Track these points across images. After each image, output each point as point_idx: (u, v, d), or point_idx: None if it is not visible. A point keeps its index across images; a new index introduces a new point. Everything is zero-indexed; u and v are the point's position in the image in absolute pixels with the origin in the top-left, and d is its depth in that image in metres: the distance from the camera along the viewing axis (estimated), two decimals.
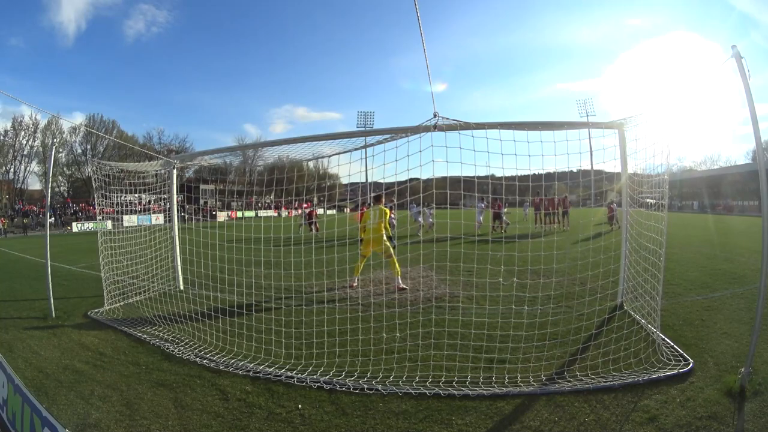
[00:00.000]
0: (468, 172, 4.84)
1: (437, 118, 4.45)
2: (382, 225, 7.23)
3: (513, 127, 4.76)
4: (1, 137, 43.69)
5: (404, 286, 7.18)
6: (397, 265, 7.26)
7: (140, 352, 4.74)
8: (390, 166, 4.71)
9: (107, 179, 7.19)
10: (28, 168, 45.78)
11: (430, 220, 17.11)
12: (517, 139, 4.61)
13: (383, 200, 7.49)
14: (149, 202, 8.74)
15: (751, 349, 3.40)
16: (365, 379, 3.82)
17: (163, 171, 7.85)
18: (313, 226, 17.39)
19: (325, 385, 3.75)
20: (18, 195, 44.47)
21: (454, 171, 4.64)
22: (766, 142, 12.15)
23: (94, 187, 7.04)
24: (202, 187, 49.27)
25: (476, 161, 4.63)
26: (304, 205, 19.23)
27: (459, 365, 3.97)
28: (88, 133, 47.88)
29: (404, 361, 4.10)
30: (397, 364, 4.06)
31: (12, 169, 44.81)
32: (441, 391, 3.55)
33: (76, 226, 31.99)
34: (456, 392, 3.53)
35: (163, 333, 5.24)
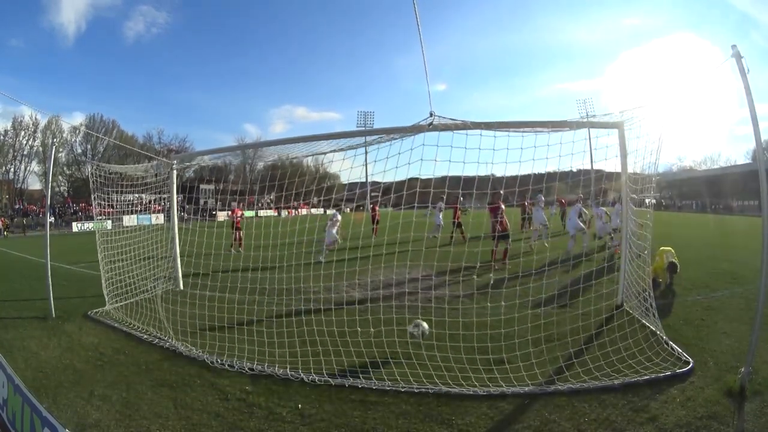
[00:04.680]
0: (467, 171, 4.84)
1: (433, 117, 4.45)
2: None
3: (509, 127, 4.76)
4: (1, 137, 43.66)
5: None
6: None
7: (140, 352, 4.74)
8: (390, 166, 4.71)
9: (106, 180, 7.18)
10: (28, 168, 45.76)
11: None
12: (512, 136, 4.63)
13: None
14: (149, 202, 8.74)
15: (751, 349, 3.40)
16: (365, 379, 3.82)
17: (162, 171, 7.86)
18: (238, 237, 12.53)
19: (325, 385, 3.75)
20: (18, 195, 44.43)
21: (455, 170, 4.65)
22: (766, 141, 12.12)
23: (92, 188, 7.03)
24: (202, 187, 49.26)
25: (472, 160, 4.63)
26: (236, 211, 13.69)
27: (459, 365, 3.97)
28: (88, 133, 47.84)
29: (404, 361, 4.10)
30: (396, 364, 4.06)
31: (12, 169, 44.78)
32: (441, 391, 3.56)
33: (76, 226, 31.99)
34: (456, 392, 3.53)
35: (163, 333, 5.24)
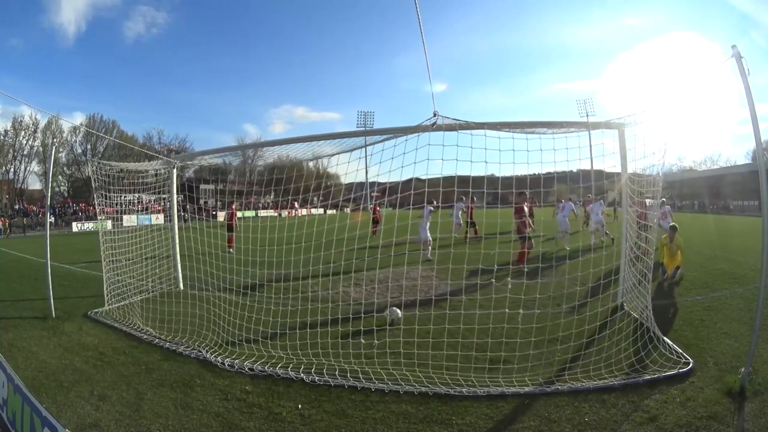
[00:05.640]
0: (469, 170, 4.83)
1: (437, 117, 4.45)
2: None
3: (512, 127, 4.76)
4: (1, 137, 43.64)
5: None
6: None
7: (140, 352, 4.74)
8: (391, 166, 4.71)
9: (107, 179, 7.18)
10: (28, 168, 45.75)
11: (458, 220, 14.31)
12: (517, 137, 4.62)
13: None
14: (149, 201, 8.74)
15: (751, 349, 3.40)
16: (365, 379, 3.82)
17: (163, 171, 7.86)
18: (229, 238, 12.09)
19: (325, 385, 3.75)
20: (18, 195, 44.43)
21: (460, 170, 4.64)
22: (766, 141, 12.11)
23: (93, 187, 7.03)
24: (202, 186, 49.19)
25: (476, 160, 4.63)
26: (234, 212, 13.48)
27: (460, 365, 3.97)
28: (89, 133, 47.87)
29: (404, 361, 4.09)
30: (396, 364, 4.06)
31: (12, 169, 44.78)
32: (441, 391, 3.56)
33: (76, 226, 31.97)
34: (456, 392, 3.53)
35: (163, 333, 5.24)
